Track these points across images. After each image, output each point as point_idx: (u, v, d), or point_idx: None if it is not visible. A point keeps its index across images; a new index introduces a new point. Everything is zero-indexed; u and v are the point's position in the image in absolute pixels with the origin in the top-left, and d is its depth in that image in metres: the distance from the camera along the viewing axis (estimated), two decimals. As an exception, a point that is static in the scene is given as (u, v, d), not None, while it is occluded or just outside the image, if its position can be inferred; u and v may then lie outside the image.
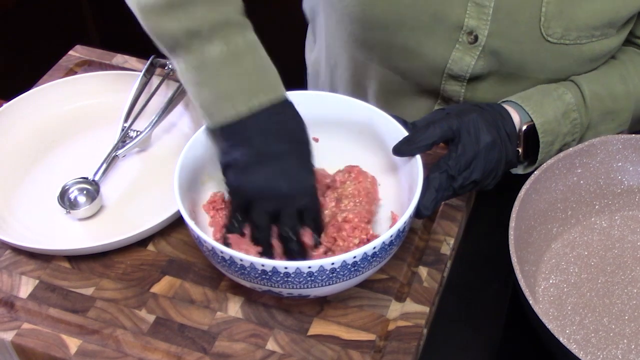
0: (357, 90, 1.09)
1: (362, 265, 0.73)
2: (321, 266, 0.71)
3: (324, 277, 0.73)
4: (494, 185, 0.85)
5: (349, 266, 0.73)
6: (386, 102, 1.06)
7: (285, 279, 0.72)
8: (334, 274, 0.73)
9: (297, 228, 0.78)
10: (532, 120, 0.87)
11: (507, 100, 0.90)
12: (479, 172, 0.82)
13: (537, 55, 0.92)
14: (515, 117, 0.87)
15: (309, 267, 0.71)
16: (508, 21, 0.91)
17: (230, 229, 0.79)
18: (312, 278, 0.72)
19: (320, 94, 0.89)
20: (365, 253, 0.72)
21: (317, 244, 0.79)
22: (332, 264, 0.71)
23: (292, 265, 0.71)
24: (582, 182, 0.89)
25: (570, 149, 0.86)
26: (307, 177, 0.80)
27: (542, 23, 0.90)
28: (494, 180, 0.84)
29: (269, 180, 0.77)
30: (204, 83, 0.79)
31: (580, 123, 0.90)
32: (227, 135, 0.79)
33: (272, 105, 0.78)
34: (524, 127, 0.87)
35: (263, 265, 0.71)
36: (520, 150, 0.87)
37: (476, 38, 0.92)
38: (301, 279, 0.72)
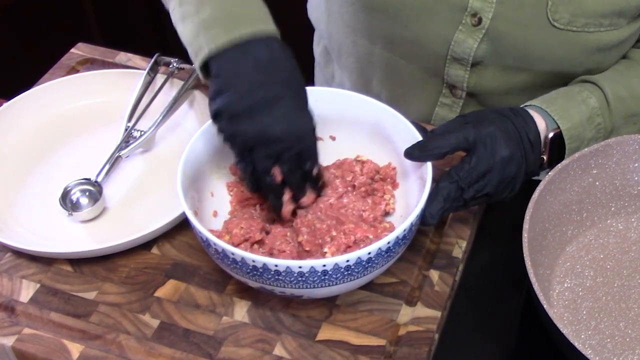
0: (362, 79, 1.08)
1: (356, 270, 0.73)
2: (312, 267, 0.71)
3: (315, 278, 0.72)
4: (511, 198, 0.83)
5: (342, 269, 0.72)
6: (391, 90, 1.05)
7: (277, 277, 0.72)
8: (326, 277, 0.72)
9: (299, 169, 0.78)
10: (558, 127, 0.86)
11: (531, 105, 0.88)
12: (493, 186, 0.80)
13: (542, 41, 0.91)
14: (541, 124, 0.85)
15: (300, 267, 0.71)
16: (514, 4, 0.90)
17: (247, 182, 0.80)
18: (303, 279, 0.72)
19: (339, 91, 0.88)
20: (359, 258, 0.72)
21: (318, 189, 0.82)
22: (324, 265, 0.71)
23: (282, 263, 0.71)
24: (597, 183, 0.88)
25: (586, 149, 0.85)
26: (303, 120, 0.78)
27: (549, 7, 0.89)
28: (510, 194, 0.83)
29: (264, 127, 0.75)
30: (186, 16, 0.77)
31: (604, 128, 0.89)
32: (213, 74, 0.76)
33: (257, 39, 0.75)
34: (551, 134, 0.85)
35: (276, 266, 0.71)
36: (545, 158, 0.86)
37: (480, 20, 0.92)
38: (292, 279, 0.72)
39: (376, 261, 0.73)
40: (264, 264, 0.71)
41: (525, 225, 0.78)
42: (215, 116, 0.77)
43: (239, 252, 0.71)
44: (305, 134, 0.78)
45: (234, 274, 0.76)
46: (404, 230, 0.74)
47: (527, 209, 0.79)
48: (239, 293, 0.81)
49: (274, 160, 0.77)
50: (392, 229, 0.82)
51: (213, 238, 0.72)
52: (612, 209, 0.90)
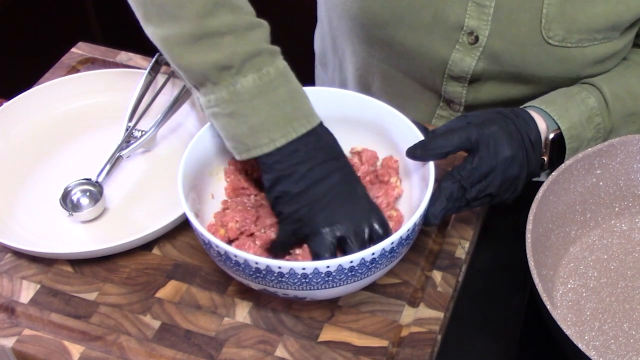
0: (361, 85, 1.08)
1: (360, 271, 0.72)
2: (316, 268, 0.70)
3: (319, 280, 0.72)
4: (513, 200, 0.83)
5: (345, 270, 0.72)
6: (390, 99, 1.05)
7: (280, 279, 0.72)
8: (329, 278, 0.72)
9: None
10: (558, 128, 0.85)
11: (531, 105, 0.88)
12: (496, 186, 0.80)
13: (538, 58, 0.92)
14: (542, 125, 0.85)
15: (303, 269, 0.70)
16: (509, 22, 0.91)
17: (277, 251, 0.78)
18: (307, 280, 0.71)
19: (340, 91, 0.87)
20: (363, 259, 0.71)
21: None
22: (328, 267, 0.70)
23: (285, 265, 0.70)
24: (601, 183, 0.87)
25: (589, 149, 0.85)
26: (358, 189, 0.78)
27: (543, 25, 0.89)
28: (513, 195, 0.83)
29: (321, 202, 0.76)
30: (237, 115, 0.76)
31: (604, 127, 0.89)
32: (268, 167, 0.77)
33: (308, 133, 0.77)
34: (551, 135, 0.85)
35: (280, 267, 0.70)
36: (545, 159, 0.86)
37: (477, 39, 0.92)
38: (295, 280, 0.71)
39: (380, 262, 0.73)
40: (267, 266, 0.70)
41: (529, 226, 0.77)
42: (276, 201, 0.78)
43: (242, 254, 0.71)
44: (363, 208, 0.77)
45: (235, 276, 0.75)
46: (408, 231, 0.73)
47: (531, 209, 0.79)
48: (241, 294, 0.81)
49: (335, 244, 0.76)
50: (399, 218, 0.81)
51: (215, 240, 0.72)
52: (616, 209, 0.89)
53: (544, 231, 0.82)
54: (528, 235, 0.77)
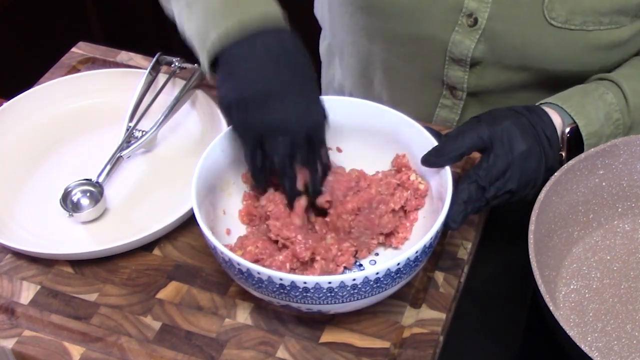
0: (363, 80, 1.08)
1: (385, 282, 0.72)
2: (342, 282, 0.70)
3: (345, 293, 0.71)
4: (533, 195, 0.82)
5: (371, 282, 0.71)
6: (392, 91, 1.04)
7: (305, 294, 0.71)
8: (355, 290, 0.71)
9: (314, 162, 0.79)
10: (574, 122, 0.84)
11: (546, 102, 0.87)
12: (515, 182, 0.79)
13: (539, 40, 0.91)
14: (557, 120, 0.84)
15: (329, 283, 0.70)
16: (510, 3, 0.90)
17: (256, 177, 0.79)
18: (333, 294, 0.71)
19: (347, 99, 0.87)
20: (388, 269, 0.71)
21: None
22: (354, 279, 0.70)
23: (311, 280, 0.70)
24: (604, 183, 0.87)
25: (592, 149, 0.84)
26: (316, 110, 0.78)
27: (546, 5, 0.88)
28: (532, 190, 0.81)
29: (278, 117, 0.75)
30: (194, 4, 0.78)
31: (623, 124, 0.88)
32: (222, 62, 0.76)
33: (267, 29, 0.76)
34: (567, 130, 0.84)
35: (305, 283, 0.70)
36: (563, 154, 0.85)
37: (476, 21, 0.91)
38: (321, 295, 0.71)
39: (404, 271, 0.73)
40: (292, 282, 0.69)
41: (531, 227, 0.77)
42: (225, 103, 0.77)
43: (265, 271, 0.70)
44: (319, 124, 0.78)
45: (257, 293, 0.74)
46: (431, 239, 0.73)
47: (533, 210, 0.78)
48: (242, 295, 0.80)
49: (289, 150, 0.77)
50: (423, 189, 0.82)
51: (237, 258, 0.71)
52: (619, 209, 0.89)
53: (546, 232, 0.82)
54: (530, 236, 0.76)
